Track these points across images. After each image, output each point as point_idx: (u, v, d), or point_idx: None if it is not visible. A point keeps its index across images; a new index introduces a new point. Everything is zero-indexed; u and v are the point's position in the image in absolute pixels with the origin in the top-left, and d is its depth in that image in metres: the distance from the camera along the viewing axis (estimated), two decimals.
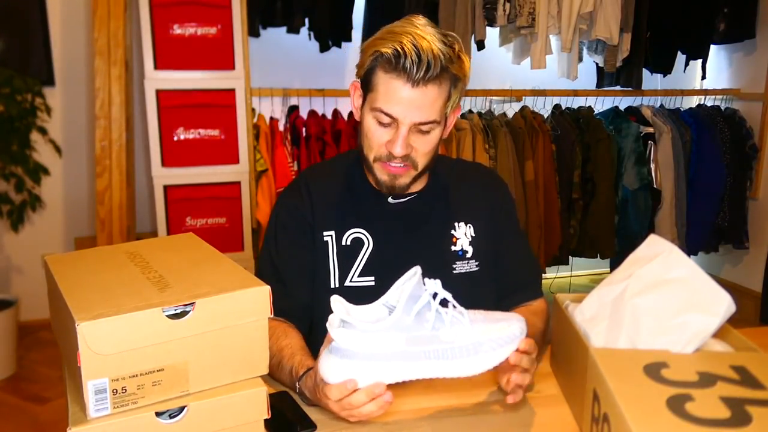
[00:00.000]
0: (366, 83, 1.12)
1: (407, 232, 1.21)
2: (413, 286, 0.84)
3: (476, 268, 1.22)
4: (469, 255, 1.22)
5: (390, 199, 1.22)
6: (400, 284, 0.87)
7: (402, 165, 1.12)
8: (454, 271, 1.21)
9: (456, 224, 1.23)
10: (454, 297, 1.19)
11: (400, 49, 1.03)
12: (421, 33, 1.05)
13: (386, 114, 1.08)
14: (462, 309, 0.88)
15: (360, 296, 1.16)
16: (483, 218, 1.25)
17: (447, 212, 1.24)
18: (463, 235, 1.23)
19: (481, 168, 1.37)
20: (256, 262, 2.92)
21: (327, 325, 0.85)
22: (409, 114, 1.07)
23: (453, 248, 1.22)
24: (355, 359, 0.84)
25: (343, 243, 1.19)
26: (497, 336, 0.87)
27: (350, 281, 1.19)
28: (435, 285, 0.86)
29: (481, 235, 1.23)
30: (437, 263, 1.20)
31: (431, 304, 0.85)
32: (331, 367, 0.85)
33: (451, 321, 0.86)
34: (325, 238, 1.20)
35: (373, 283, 1.18)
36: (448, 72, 1.07)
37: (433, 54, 1.04)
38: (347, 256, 1.19)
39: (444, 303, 0.88)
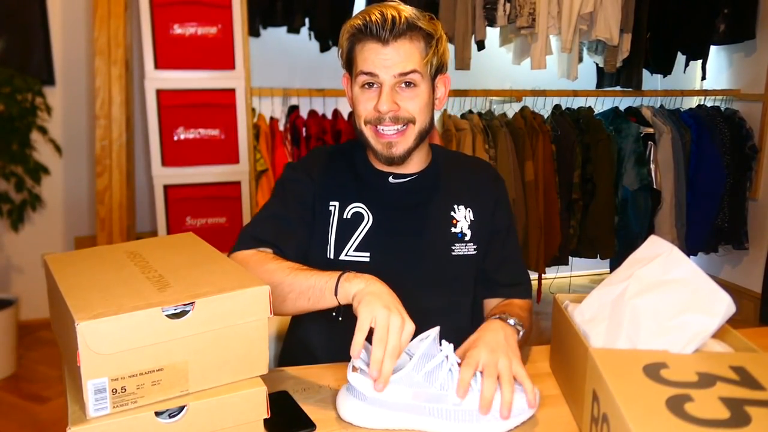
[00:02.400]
0: (349, 65, 1.18)
1: (407, 212, 1.22)
2: (428, 346, 0.89)
3: (474, 252, 1.22)
4: (467, 238, 1.22)
5: (390, 179, 1.23)
6: (424, 337, 0.91)
7: (395, 129, 1.14)
8: (453, 253, 1.21)
9: (456, 206, 1.23)
10: (453, 279, 1.19)
11: (366, 16, 1.11)
12: (391, 4, 1.13)
13: (366, 73, 1.12)
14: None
15: (354, 270, 1.16)
16: (482, 206, 1.25)
17: (448, 194, 1.24)
18: (462, 217, 1.23)
19: (481, 161, 1.39)
20: None
21: (349, 364, 0.91)
22: (387, 69, 1.11)
23: (453, 230, 1.22)
24: (365, 402, 0.90)
25: (344, 216, 1.19)
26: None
27: (345, 255, 1.18)
28: (449, 348, 0.91)
29: (478, 220, 1.24)
30: (436, 244, 1.21)
31: (443, 365, 0.89)
32: (346, 405, 0.92)
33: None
34: (330, 207, 1.20)
35: (368, 260, 1.18)
36: (418, 29, 1.12)
37: (398, 13, 1.11)
38: (346, 229, 1.19)
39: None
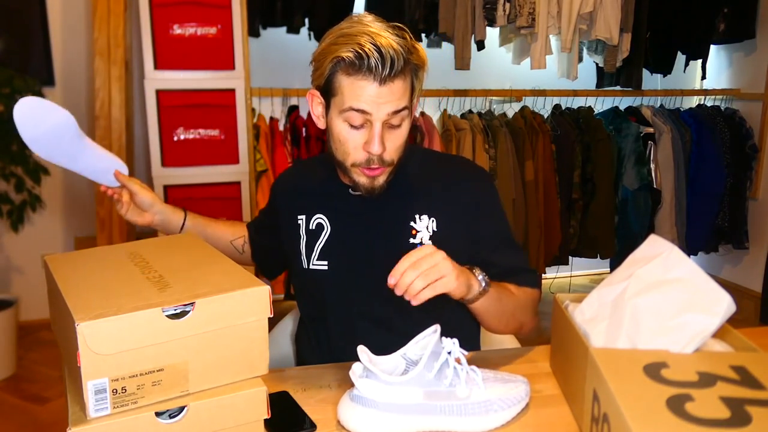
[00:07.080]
0: (327, 90, 1.10)
1: (364, 222, 1.19)
2: (434, 343, 0.89)
3: None
4: None
5: (351, 190, 1.20)
6: (420, 339, 0.92)
7: (378, 166, 1.11)
8: None
9: (418, 216, 1.18)
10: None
11: (360, 51, 1.02)
12: (376, 31, 1.04)
13: (358, 111, 1.06)
14: (475, 368, 0.94)
15: (317, 279, 1.21)
16: (451, 213, 1.19)
17: (409, 203, 1.19)
18: (424, 228, 1.17)
19: (465, 164, 1.32)
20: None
21: (350, 373, 0.90)
22: (381, 107, 1.06)
23: (411, 240, 1.16)
24: (376, 408, 0.89)
25: (310, 227, 1.23)
26: (506, 396, 0.93)
27: (311, 264, 1.22)
28: (451, 344, 0.91)
29: (444, 230, 1.17)
30: (392, 255, 1.12)
31: (449, 361, 0.90)
32: (353, 415, 0.90)
33: (466, 379, 0.91)
34: (298, 221, 1.25)
35: (326, 268, 1.20)
36: (410, 63, 1.07)
37: (394, 50, 1.03)
38: (312, 239, 1.23)
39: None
